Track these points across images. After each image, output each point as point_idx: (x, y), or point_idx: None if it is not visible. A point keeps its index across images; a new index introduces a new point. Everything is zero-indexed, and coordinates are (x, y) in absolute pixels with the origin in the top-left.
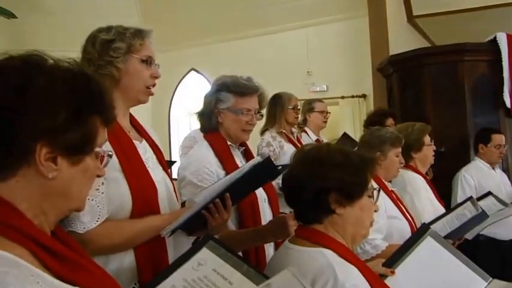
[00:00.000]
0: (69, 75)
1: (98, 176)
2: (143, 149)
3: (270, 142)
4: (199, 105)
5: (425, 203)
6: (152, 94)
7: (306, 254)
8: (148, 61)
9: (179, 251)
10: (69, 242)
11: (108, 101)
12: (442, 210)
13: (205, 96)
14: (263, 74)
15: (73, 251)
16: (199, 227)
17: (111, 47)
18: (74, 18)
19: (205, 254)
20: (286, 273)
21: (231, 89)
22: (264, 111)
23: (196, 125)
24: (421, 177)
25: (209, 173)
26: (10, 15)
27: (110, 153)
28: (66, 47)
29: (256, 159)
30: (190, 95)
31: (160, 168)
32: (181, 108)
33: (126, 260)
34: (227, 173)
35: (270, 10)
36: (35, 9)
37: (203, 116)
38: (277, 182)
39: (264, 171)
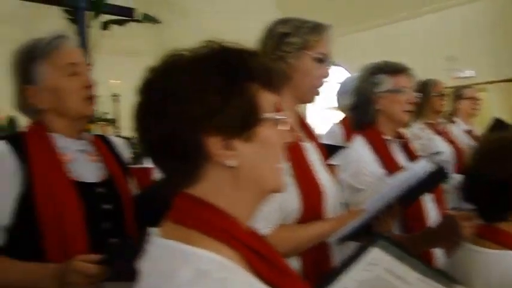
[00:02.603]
0: (208, 55)
1: (288, 142)
2: (310, 151)
3: (418, 135)
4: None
5: None
6: (319, 94)
7: (492, 257)
8: (321, 59)
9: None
10: (267, 243)
11: (257, 62)
12: None
13: (356, 86)
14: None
15: (276, 254)
16: (362, 233)
17: (284, 41)
18: (210, 19)
19: (376, 253)
20: None
21: (384, 69)
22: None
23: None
24: None
25: (368, 174)
26: (154, 20)
27: (284, 117)
28: None
29: (426, 165)
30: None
31: (325, 170)
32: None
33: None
34: (387, 172)
35: None
36: (175, 12)
37: (358, 108)
38: None
39: (435, 178)
